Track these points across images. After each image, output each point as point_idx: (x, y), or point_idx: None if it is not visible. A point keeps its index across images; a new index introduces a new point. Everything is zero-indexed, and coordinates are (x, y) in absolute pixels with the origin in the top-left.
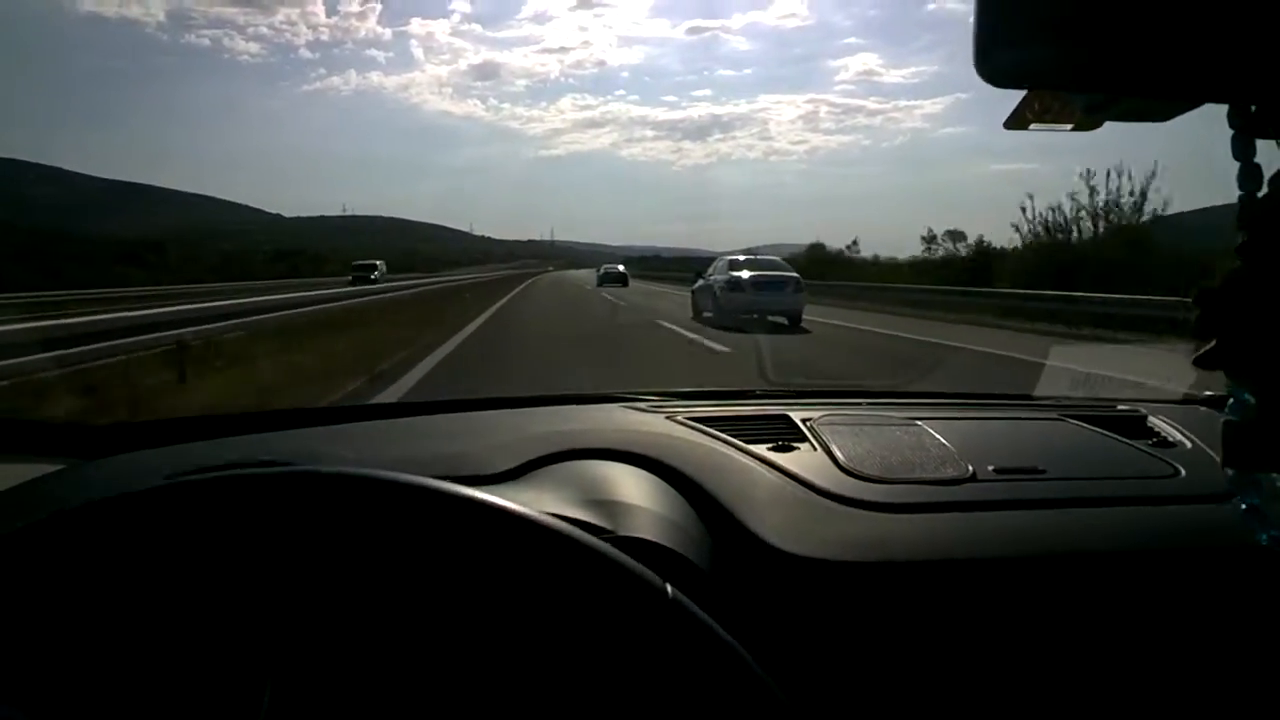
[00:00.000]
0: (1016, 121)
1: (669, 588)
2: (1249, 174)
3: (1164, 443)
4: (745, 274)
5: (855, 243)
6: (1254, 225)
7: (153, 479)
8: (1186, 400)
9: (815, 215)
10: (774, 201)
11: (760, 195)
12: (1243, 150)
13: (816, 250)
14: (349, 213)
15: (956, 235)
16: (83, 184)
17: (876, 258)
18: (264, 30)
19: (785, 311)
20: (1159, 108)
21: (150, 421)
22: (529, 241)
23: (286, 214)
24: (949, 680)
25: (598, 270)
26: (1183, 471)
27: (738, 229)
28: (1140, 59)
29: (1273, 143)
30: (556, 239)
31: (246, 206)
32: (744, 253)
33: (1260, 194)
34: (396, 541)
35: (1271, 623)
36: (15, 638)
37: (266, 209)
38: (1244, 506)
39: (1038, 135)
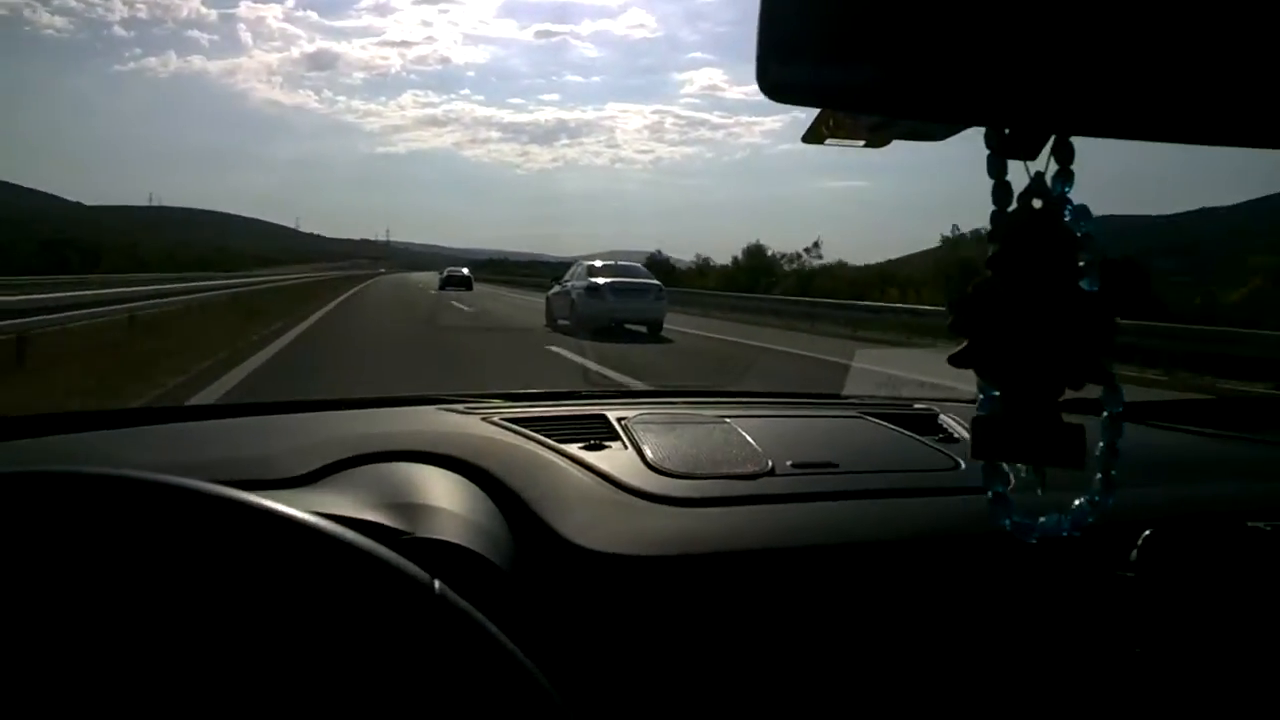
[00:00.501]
0: (813, 136)
1: (437, 583)
2: (1001, 192)
3: (950, 438)
4: (604, 280)
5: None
6: (1003, 239)
7: None
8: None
9: (659, 225)
10: (619, 209)
11: (606, 202)
12: (997, 170)
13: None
14: (155, 203)
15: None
16: None
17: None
18: (72, 3)
19: (646, 320)
20: (934, 129)
21: None
22: (363, 241)
23: (88, 202)
24: (752, 671)
25: (440, 273)
26: (962, 464)
27: (583, 235)
28: (906, 83)
29: (1023, 163)
30: (393, 239)
31: (40, 192)
32: (601, 257)
33: (1010, 209)
34: (144, 544)
35: (1023, 599)
36: None
37: (66, 196)
38: (990, 495)
39: (862, 154)
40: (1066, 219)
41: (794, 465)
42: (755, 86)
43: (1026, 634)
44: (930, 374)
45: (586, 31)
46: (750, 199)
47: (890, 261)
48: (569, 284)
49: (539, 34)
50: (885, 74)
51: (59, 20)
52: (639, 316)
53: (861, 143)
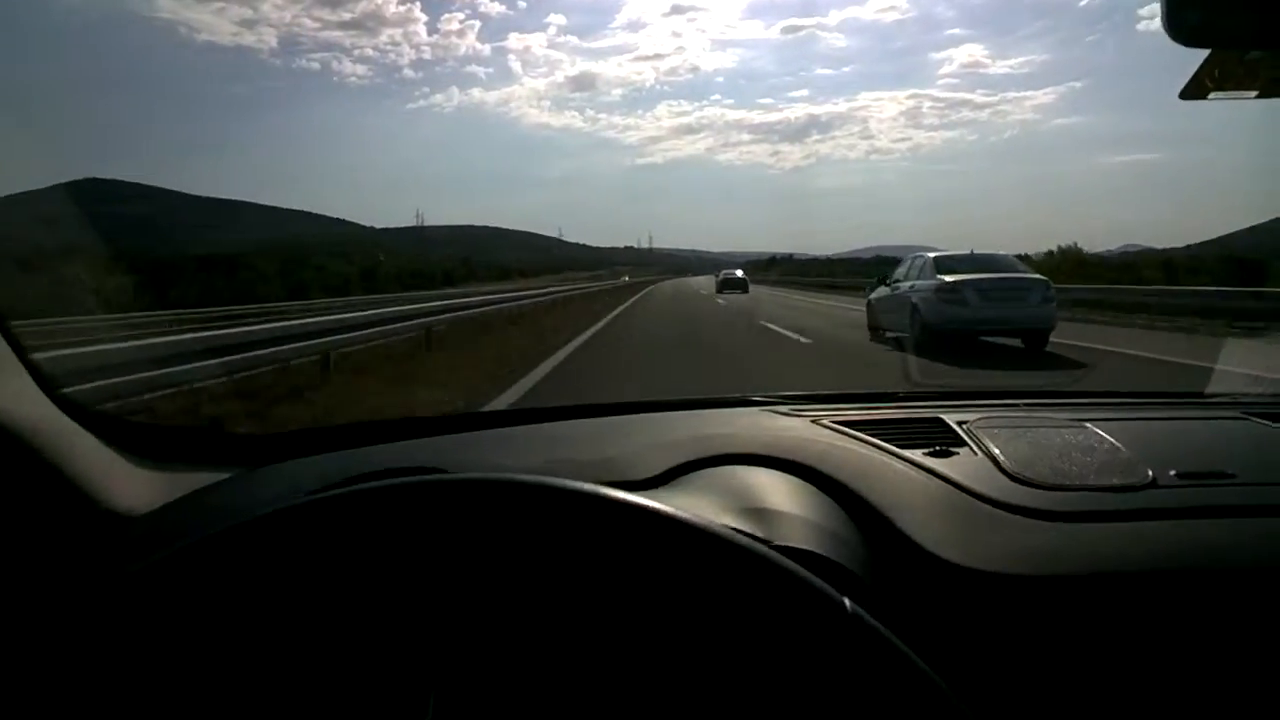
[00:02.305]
0: (1195, 90)
1: (848, 602)
2: None
3: None
4: (963, 276)
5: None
6: None
7: (313, 486)
8: None
9: (921, 216)
10: (877, 202)
11: (862, 196)
12: None
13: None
14: (424, 223)
15: None
16: (179, 202)
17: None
18: (369, 52)
19: (1028, 328)
20: None
21: (298, 431)
22: (627, 248)
23: (377, 225)
24: (1126, 704)
25: (715, 277)
26: None
27: (839, 231)
28: None
29: None
30: (655, 245)
31: (339, 220)
32: (863, 253)
33: None
34: (566, 550)
35: None
36: (197, 649)
37: (362, 222)
38: None
39: (1163, 123)
40: None
41: (1178, 475)
42: (1023, 58)
43: None
44: None
45: (834, 21)
46: (1021, 181)
47: (1208, 242)
48: (903, 284)
49: (785, 30)
50: None
51: (360, 68)
52: (1017, 325)
53: (1254, 93)
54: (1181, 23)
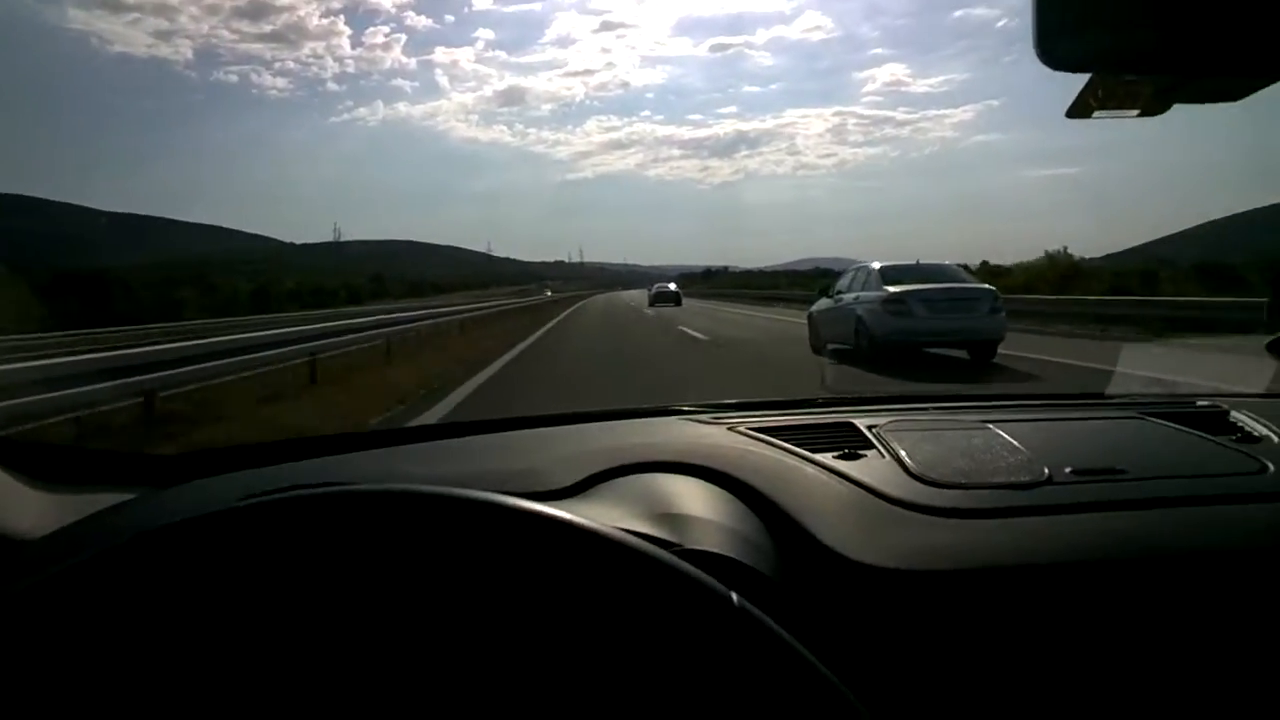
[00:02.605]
0: (1079, 110)
1: (735, 596)
2: None
3: (1248, 437)
4: (909, 287)
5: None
6: None
7: (217, 506)
8: (1270, 395)
9: (847, 229)
10: (805, 216)
11: (790, 210)
12: None
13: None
14: (341, 237)
15: None
16: (82, 217)
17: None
18: (291, 65)
19: (976, 340)
20: (1235, 85)
21: (209, 450)
22: (556, 262)
23: (298, 241)
24: (1032, 688)
25: (649, 290)
26: (1271, 467)
27: (769, 245)
28: (1215, 37)
29: None
30: (586, 259)
31: (255, 235)
32: (791, 266)
33: None
34: (465, 558)
35: None
36: (93, 663)
37: (280, 237)
38: None
39: (1080, 138)
40: None
41: (1074, 472)
42: (943, 77)
43: None
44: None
45: (761, 40)
46: (943, 196)
47: (1123, 253)
48: (846, 295)
49: (713, 48)
50: (1189, 29)
51: (281, 81)
52: (966, 336)
53: (1135, 111)
54: (1052, 49)
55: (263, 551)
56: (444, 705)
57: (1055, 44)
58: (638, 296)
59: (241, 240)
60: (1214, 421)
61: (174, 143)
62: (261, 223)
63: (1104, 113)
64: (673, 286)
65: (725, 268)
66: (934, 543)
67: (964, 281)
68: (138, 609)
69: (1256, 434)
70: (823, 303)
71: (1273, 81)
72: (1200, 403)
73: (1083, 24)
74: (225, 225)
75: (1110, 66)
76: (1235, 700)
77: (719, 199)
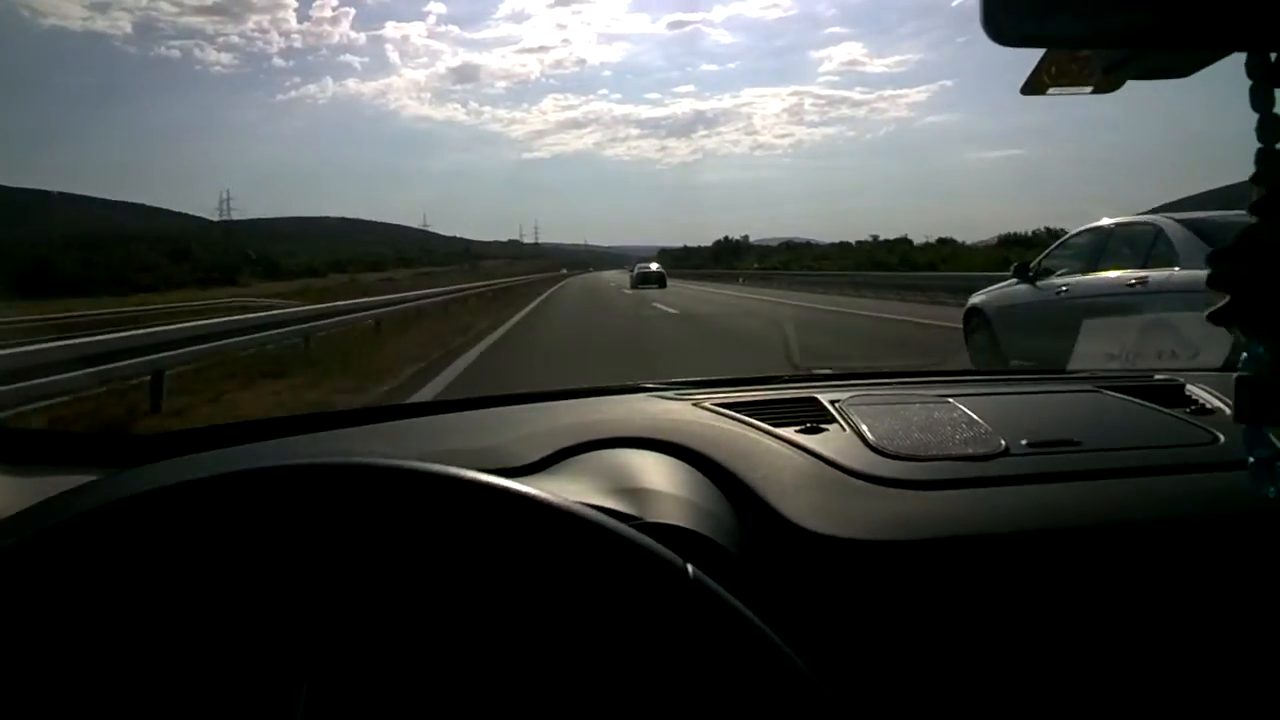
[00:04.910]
0: (1033, 87)
1: (690, 567)
2: (1268, 126)
3: (1202, 410)
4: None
5: None
6: (1272, 179)
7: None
8: (1227, 369)
9: (804, 207)
10: (762, 196)
11: (748, 190)
12: (1262, 101)
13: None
14: (239, 214)
15: None
16: None
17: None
18: (235, 39)
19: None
20: (1181, 61)
21: (177, 431)
22: (510, 242)
23: (233, 218)
24: (986, 658)
25: (630, 271)
26: (1222, 438)
27: (727, 224)
28: (1159, 10)
29: None
30: (543, 240)
31: (184, 214)
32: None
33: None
34: (425, 531)
35: None
36: (41, 643)
37: (208, 216)
38: (1252, 460)
39: (1027, 120)
40: None
41: (1030, 444)
42: (898, 57)
43: None
44: None
45: (719, 18)
46: (897, 176)
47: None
48: (1087, 279)
49: (671, 25)
50: (1134, 2)
51: (225, 57)
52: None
53: (1089, 89)
54: (1000, 25)
55: (207, 529)
56: (401, 674)
57: (1001, 18)
58: (618, 278)
59: (167, 218)
60: (1170, 395)
61: (111, 119)
62: (198, 203)
63: (1058, 89)
64: (655, 267)
65: (684, 247)
66: (892, 513)
67: None
68: (76, 588)
69: (1210, 406)
70: (1014, 292)
71: (1218, 57)
72: (1158, 377)
73: None
74: (153, 204)
75: (1055, 42)
76: (1188, 663)
77: (678, 178)
